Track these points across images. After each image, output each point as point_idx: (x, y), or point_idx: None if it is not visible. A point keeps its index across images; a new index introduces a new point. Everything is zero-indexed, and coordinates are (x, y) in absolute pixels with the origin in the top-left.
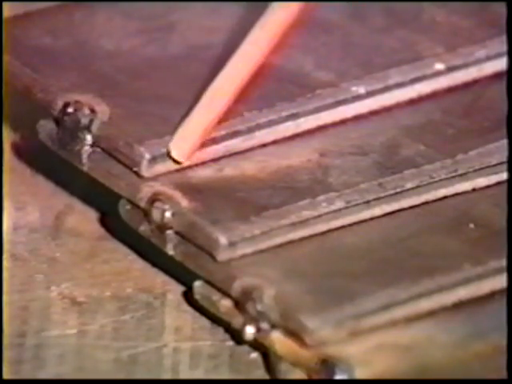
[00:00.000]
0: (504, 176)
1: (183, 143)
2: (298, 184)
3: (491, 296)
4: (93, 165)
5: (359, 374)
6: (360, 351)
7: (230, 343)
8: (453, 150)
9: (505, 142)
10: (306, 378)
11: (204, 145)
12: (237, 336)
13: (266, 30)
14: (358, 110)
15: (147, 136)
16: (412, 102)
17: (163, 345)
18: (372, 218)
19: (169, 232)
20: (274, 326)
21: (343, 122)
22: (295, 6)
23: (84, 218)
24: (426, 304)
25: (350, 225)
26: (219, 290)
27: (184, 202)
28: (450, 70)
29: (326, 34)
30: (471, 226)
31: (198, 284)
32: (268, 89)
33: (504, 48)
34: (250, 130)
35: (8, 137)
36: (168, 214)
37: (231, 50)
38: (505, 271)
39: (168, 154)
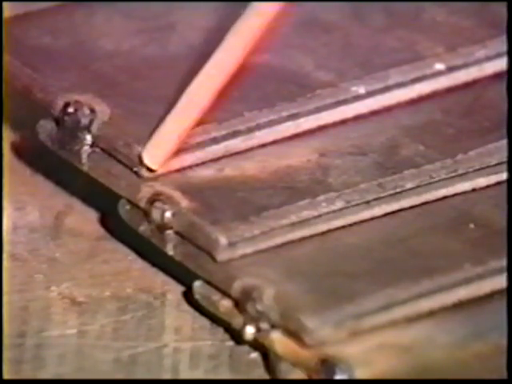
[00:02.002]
0: (504, 176)
1: (156, 150)
2: (298, 184)
3: (491, 296)
4: (93, 165)
5: (359, 374)
6: (360, 351)
7: (230, 343)
8: (453, 150)
9: (505, 142)
10: (306, 378)
11: (204, 145)
12: (237, 336)
13: (242, 33)
14: (358, 109)
15: (147, 136)
16: (412, 102)
17: (163, 345)
18: (372, 218)
19: (169, 232)
20: (273, 326)
21: (343, 122)
22: (273, 6)
23: (84, 218)
24: (426, 304)
25: (350, 225)
26: (219, 290)
27: (184, 202)
28: (450, 70)
29: (326, 34)
30: (471, 226)
31: (197, 284)
32: (268, 89)
33: (504, 48)
34: (250, 130)
35: (8, 137)
36: (168, 214)
37: None
38: (505, 271)
39: (141, 162)
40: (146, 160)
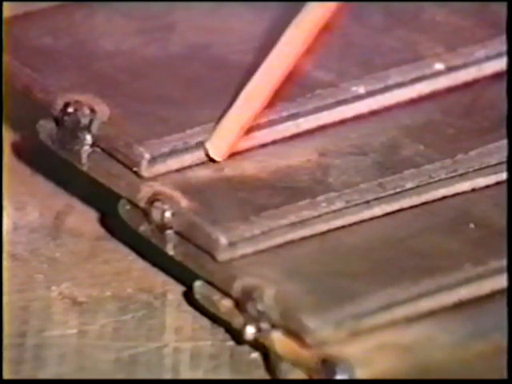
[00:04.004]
0: (504, 176)
1: (220, 142)
2: (298, 184)
3: (492, 296)
4: (93, 165)
5: (359, 374)
6: (360, 351)
7: (231, 343)
8: (453, 150)
9: (504, 142)
10: (306, 378)
11: (203, 145)
12: (237, 336)
13: (301, 30)
14: (358, 109)
15: (147, 136)
16: (412, 102)
17: (164, 345)
18: (372, 218)
19: (169, 232)
20: (274, 326)
21: (343, 121)
22: (330, 5)
23: (84, 218)
24: (426, 304)
25: (350, 225)
26: (219, 289)
27: (184, 202)
28: (450, 69)
29: (325, 33)
30: (471, 225)
31: (198, 284)
32: None
33: (504, 48)
34: (250, 130)
35: (8, 137)
36: (168, 214)
37: (231, 50)
38: (505, 271)
39: (206, 154)
40: (211, 152)
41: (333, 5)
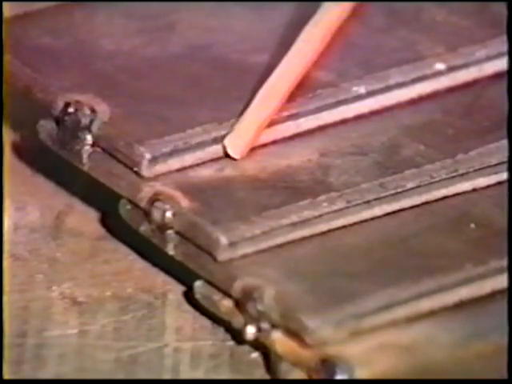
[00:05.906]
0: (504, 176)
1: (238, 140)
2: (299, 184)
3: (492, 296)
4: (93, 165)
5: (359, 374)
6: (360, 351)
7: (231, 343)
8: (453, 150)
9: (505, 142)
10: (306, 378)
11: (204, 145)
12: (237, 336)
13: (319, 28)
14: (359, 109)
15: (147, 136)
16: (412, 102)
17: (164, 345)
18: (372, 218)
19: (169, 232)
20: (274, 326)
21: (343, 121)
22: (347, 5)
23: (84, 218)
24: (426, 304)
25: (351, 225)
26: (220, 289)
27: (184, 202)
28: (451, 69)
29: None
30: (472, 225)
31: (198, 284)
32: None
33: (504, 48)
34: None
35: (8, 137)
36: (168, 214)
37: (232, 50)
38: (505, 271)
39: (224, 152)
40: (229, 149)
41: (349, 5)
